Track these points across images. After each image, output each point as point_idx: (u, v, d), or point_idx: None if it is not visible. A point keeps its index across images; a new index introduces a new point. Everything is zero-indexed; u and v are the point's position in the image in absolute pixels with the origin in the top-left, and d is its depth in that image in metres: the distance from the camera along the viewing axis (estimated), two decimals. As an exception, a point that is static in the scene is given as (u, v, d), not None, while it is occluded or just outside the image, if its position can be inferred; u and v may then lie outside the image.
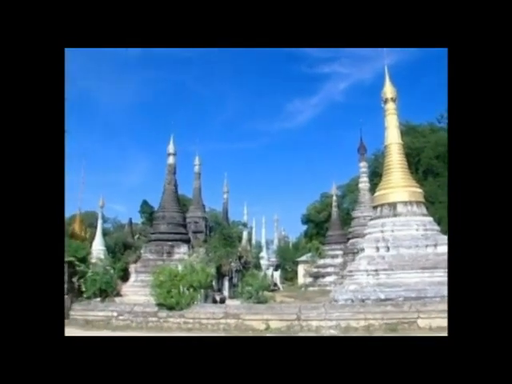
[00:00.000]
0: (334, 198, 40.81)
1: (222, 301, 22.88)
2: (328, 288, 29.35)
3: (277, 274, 47.60)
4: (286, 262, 53.43)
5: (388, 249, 18.20)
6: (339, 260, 34.92)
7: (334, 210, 40.05)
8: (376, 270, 17.66)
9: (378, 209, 20.03)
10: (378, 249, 18.54)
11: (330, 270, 35.63)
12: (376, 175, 37.04)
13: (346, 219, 41.48)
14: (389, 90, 20.42)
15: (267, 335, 12.31)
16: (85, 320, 14.91)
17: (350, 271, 19.53)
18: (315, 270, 37.60)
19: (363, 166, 35.12)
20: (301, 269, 45.56)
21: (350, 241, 33.13)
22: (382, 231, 18.89)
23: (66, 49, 5.70)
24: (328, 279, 34.37)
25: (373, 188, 29.02)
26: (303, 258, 45.72)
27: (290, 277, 51.15)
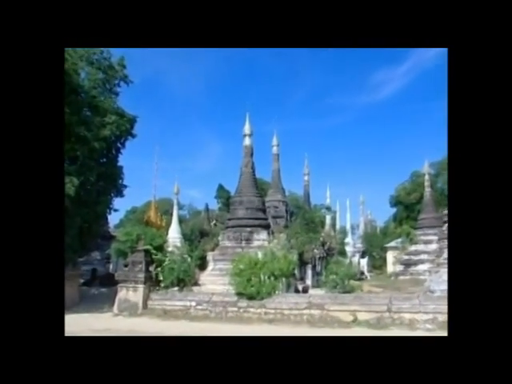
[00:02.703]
0: (427, 177, 38.36)
1: (305, 290, 22.22)
2: (421, 277, 28.89)
3: (363, 262, 46.84)
4: (374, 248, 52.28)
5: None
6: (433, 246, 32.73)
7: (427, 190, 37.85)
8: (479, 257, 15.54)
9: (481, 187, 17.64)
10: (480, 233, 16.36)
11: (423, 257, 34.01)
12: (475, 150, 33.75)
13: (441, 200, 38.82)
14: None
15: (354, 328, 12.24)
16: (163, 310, 15.21)
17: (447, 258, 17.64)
18: (406, 257, 36.23)
19: (460, 141, 32.02)
20: (390, 256, 44.90)
21: (446, 225, 30.53)
22: (484, 213, 16.60)
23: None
24: (421, 267, 32.88)
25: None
26: (392, 243, 44.76)
27: (378, 264, 50.15)
